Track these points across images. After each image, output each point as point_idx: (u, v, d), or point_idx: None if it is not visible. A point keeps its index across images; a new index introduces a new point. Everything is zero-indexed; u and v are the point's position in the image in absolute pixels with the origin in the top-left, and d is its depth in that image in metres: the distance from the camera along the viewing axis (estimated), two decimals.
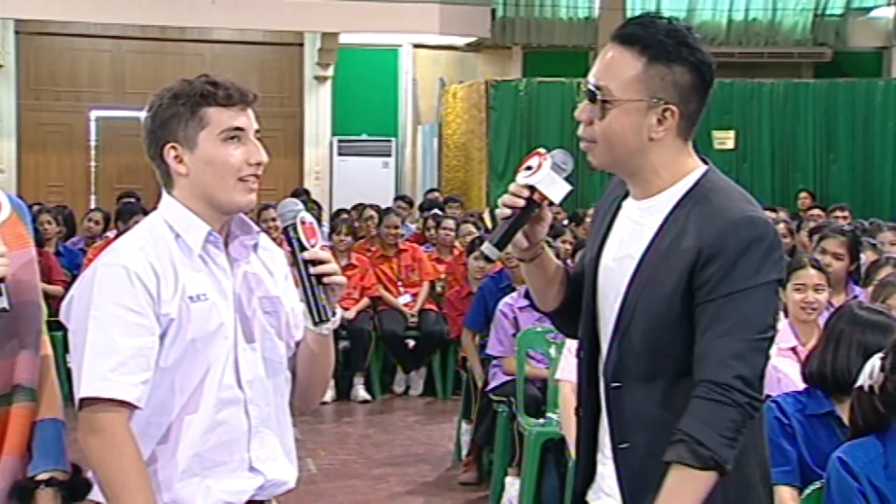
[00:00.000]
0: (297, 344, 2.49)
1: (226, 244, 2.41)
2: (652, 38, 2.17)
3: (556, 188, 2.21)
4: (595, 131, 2.19)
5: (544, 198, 2.23)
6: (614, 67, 2.18)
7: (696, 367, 2.11)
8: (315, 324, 2.35)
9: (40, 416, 2.34)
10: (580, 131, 2.23)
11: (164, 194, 2.41)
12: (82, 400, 2.25)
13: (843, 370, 3.32)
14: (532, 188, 2.22)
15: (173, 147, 2.35)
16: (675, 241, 2.16)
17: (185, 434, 2.30)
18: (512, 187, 2.23)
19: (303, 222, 2.35)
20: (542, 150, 2.26)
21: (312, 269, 2.33)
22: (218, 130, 2.33)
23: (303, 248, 2.34)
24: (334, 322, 2.37)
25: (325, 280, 2.33)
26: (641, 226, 2.22)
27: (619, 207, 2.31)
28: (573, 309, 2.37)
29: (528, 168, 2.23)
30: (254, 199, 2.38)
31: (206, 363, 2.30)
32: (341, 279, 2.37)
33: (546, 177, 2.21)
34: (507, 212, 2.22)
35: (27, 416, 2.32)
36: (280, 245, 2.68)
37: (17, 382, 2.31)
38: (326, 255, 2.36)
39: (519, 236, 2.26)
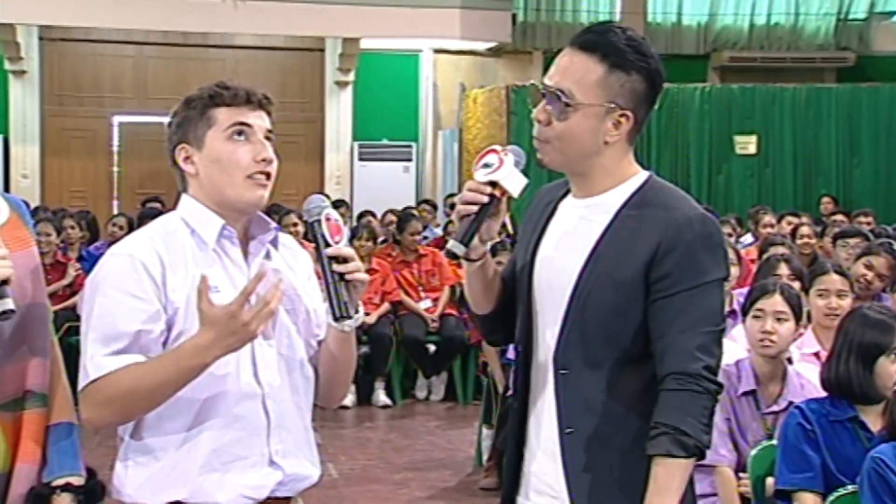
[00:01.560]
0: (320, 343, 2.50)
1: (246, 244, 2.42)
2: (612, 46, 2.26)
3: (516, 182, 2.28)
4: (552, 132, 2.27)
5: (504, 192, 2.28)
6: (575, 72, 2.26)
7: (661, 358, 2.20)
8: (336, 319, 2.36)
9: (53, 420, 2.32)
10: (536, 132, 2.30)
11: (183, 195, 2.44)
12: (83, 387, 2.26)
13: (843, 375, 3.33)
14: (494, 184, 2.27)
15: (183, 148, 2.39)
16: (630, 235, 2.24)
17: (204, 428, 2.30)
18: (472, 184, 2.28)
19: (328, 219, 2.37)
20: (497, 148, 2.32)
21: (335, 266, 2.34)
22: (223, 127, 2.36)
23: (326, 245, 2.36)
24: (356, 320, 2.38)
25: (348, 277, 2.35)
26: (589, 221, 2.30)
27: (555, 209, 2.39)
28: (507, 311, 2.43)
29: (486, 165, 2.28)
30: (264, 196, 2.39)
31: (222, 357, 2.28)
32: (364, 276, 2.38)
33: (511, 172, 2.27)
34: (473, 209, 2.26)
35: (39, 421, 2.30)
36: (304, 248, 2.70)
37: (28, 388, 2.29)
38: (350, 251, 2.38)
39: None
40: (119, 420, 2.32)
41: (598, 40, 2.27)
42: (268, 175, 2.38)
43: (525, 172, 2.29)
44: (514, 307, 2.42)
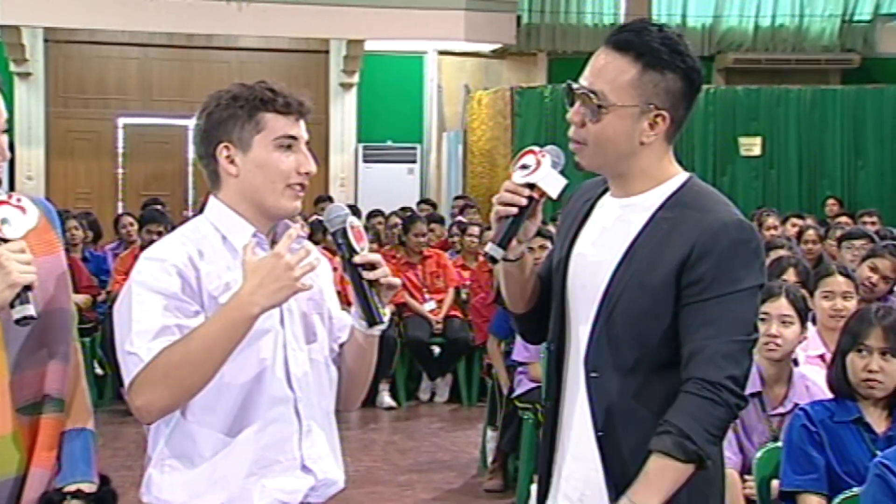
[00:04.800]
0: (341, 346, 2.53)
1: (272, 248, 2.43)
2: (646, 46, 2.21)
3: (554, 184, 2.25)
4: (587, 133, 2.24)
5: (543, 194, 2.26)
6: (609, 72, 2.22)
7: (686, 363, 2.16)
8: (370, 325, 2.39)
9: (69, 426, 2.32)
10: (571, 133, 2.27)
11: (211, 197, 2.45)
12: (136, 376, 2.26)
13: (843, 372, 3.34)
14: (532, 186, 2.25)
15: (226, 147, 2.39)
16: (665, 238, 2.20)
17: (240, 433, 2.33)
18: (510, 186, 2.26)
19: (352, 227, 2.39)
20: (535, 148, 2.29)
21: (365, 274, 2.36)
22: (273, 136, 2.37)
23: (353, 252, 2.37)
24: (385, 322, 2.40)
25: (383, 281, 2.37)
26: (625, 222, 2.27)
27: (593, 206, 2.36)
28: (544, 310, 2.41)
29: (524, 167, 2.26)
30: (299, 207, 2.43)
31: (255, 361, 2.32)
32: (395, 280, 2.41)
33: (549, 174, 2.24)
34: (513, 210, 2.24)
35: (56, 427, 2.29)
36: None
37: (46, 392, 2.28)
38: (377, 257, 2.40)
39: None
40: (176, 397, 2.27)
41: (631, 39, 2.22)
42: (304, 186, 2.41)
43: (562, 172, 2.26)
44: (550, 305, 2.39)
